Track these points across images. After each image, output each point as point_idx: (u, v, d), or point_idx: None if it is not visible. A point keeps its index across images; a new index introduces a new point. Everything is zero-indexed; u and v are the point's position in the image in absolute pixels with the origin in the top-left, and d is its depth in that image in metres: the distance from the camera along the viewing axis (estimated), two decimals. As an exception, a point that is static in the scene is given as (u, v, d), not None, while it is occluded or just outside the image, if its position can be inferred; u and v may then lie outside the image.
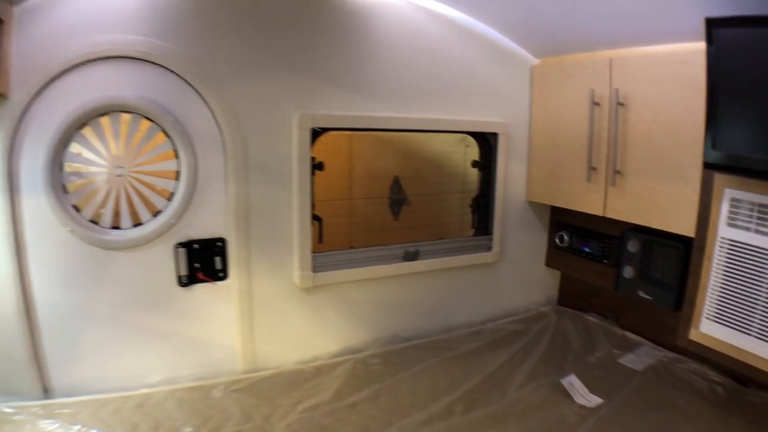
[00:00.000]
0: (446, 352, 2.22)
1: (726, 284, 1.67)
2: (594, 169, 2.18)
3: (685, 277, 2.03)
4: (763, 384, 1.92)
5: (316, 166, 2.06)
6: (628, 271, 2.24)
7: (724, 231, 1.67)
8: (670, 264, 2.08)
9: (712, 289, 1.71)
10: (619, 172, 2.08)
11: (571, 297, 2.78)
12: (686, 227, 1.86)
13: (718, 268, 1.69)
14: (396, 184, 2.56)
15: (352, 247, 2.21)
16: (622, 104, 2.04)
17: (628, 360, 2.18)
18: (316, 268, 2.08)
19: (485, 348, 2.28)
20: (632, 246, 2.21)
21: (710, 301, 1.71)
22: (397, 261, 2.26)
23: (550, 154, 2.42)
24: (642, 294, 2.19)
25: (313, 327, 2.16)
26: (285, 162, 1.98)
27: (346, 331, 2.23)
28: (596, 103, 2.14)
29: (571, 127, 2.29)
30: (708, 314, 1.72)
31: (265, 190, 1.97)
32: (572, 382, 1.98)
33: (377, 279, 2.24)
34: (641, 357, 2.20)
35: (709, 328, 1.72)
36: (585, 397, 1.90)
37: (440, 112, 2.25)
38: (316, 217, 2.10)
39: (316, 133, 2.02)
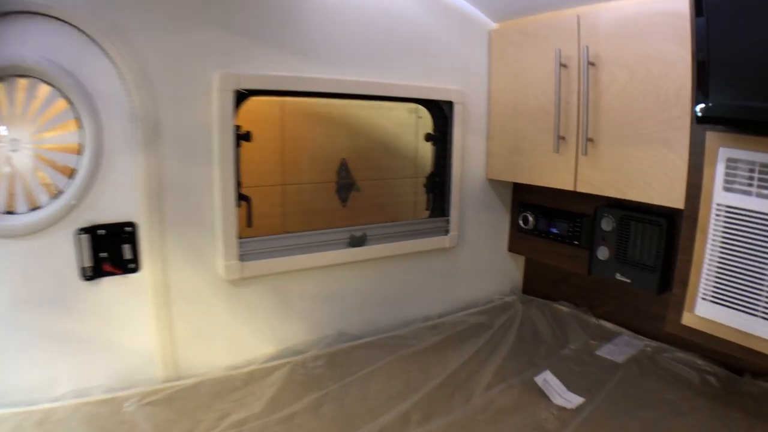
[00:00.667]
0: (401, 350, 1.94)
1: (725, 258, 1.43)
2: (562, 138, 1.94)
3: (669, 256, 1.83)
4: (760, 372, 1.71)
5: (242, 137, 1.73)
6: (602, 253, 2.01)
7: (720, 197, 1.43)
8: (651, 242, 1.86)
9: (709, 265, 1.47)
10: (591, 140, 1.85)
11: (537, 284, 2.54)
12: (673, 197, 1.63)
13: (714, 241, 1.45)
14: (343, 168, 2.26)
15: (288, 232, 1.89)
16: (592, 64, 1.81)
17: (607, 351, 1.95)
18: (244, 257, 1.76)
19: (445, 344, 2.00)
20: (607, 224, 1.98)
21: (707, 280, 1.48)
22: (342, 247, 1.97)
23: (511, 125, 2.17)
24: (620, 277, 1.95)
25: (245, 326, 1.84)
26: (205, 131, 1.66)
27: (283, 330, 1.92)
28: (563, 65, 1.89)
29: (535, 94, 2.04)
30: (704, 294, 1.49)
31: (182, 164, 1.64)
32: (548, 380, 1.73)
33: (319, 268, 1.94)
34: (621, 347, 1.97)
35: (706, 310, 1.49)
36: (563, 397, 1.65)
37: (390, 77, 1.96)
38: (243, 197, 1.78)
39: (242, 98, 1.70)
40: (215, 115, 1.64)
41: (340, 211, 2.23)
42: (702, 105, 1.36)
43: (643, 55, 1.67)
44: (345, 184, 2.27)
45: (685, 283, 1.56)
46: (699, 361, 1.83)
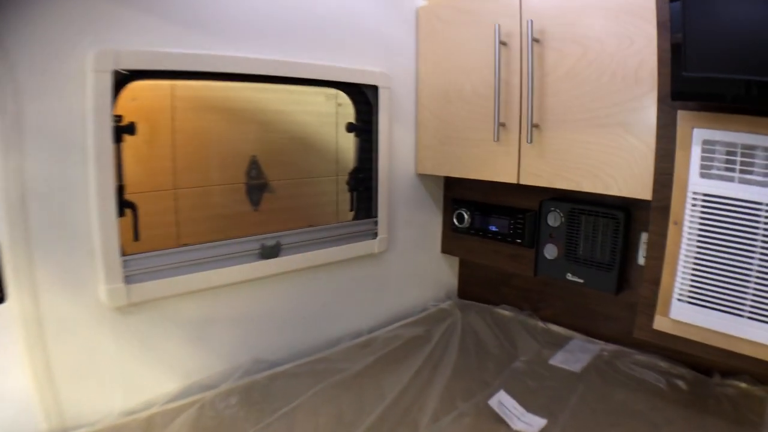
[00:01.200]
0: (328, 377, 1.64)
1: (703, 253, 1.25)
2: (503, 125, 1.72)
3: (626, 252, 1.66)
4: (729, 371, 1.58)
5: (124, 129, 1.37)
6: (550, 251, 1.81)
7: (696, 184, 1.25)
8: (605, 238, 1.68)
9: (685, 261, 1.29)
10: (536, 126, 1.64)
11: (474, 288, 2.33)
12: (635, 187, 1.45)
13: (690, 234, 1.27)
14: (254, 167, 1.92)
15: (185, 245, 1.54)
16: (537, 40, 1.60)
17: (562, 360, 1.75)
18: (130, 278, 1.40)
19: (380, 365, 1.73)
20: (554, 219, 1.79)
21: (682, 278, 1.29)
22: (252, 260, 1.64)
23: (443, 113, 1.92)
24: (572, 278, 1.77)
25: (140, 361, 1.48)
26: (78, 124, 1.29)
27: (187, 363, 1.57)
28: (503, 43, 1.67)
29: (469, 77, 1.81)
30: (680, 295, 1.31)
31: (51, 166, 1.27)
32: (503, 402, 1.50)
33: (226, 287, 1.60)
34: (576, 354, 1.79)
35: (683, 312, 1.30)
36: (523, 420, 1.43)
37: (304, 57, 1.65)
38: (127, 204, 1.41)
39: (124, 81, 1.34)
40: (89, 102, 1.28)
41: (251, 216, 1.90)
42: (679, 78, 1.17)
43: (597, 28, 1.47)
44: (256, 185, 1.93)
45: (656, 283, 1.37)
46: (662, 363, 1.68)
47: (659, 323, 1.37)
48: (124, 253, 1.38)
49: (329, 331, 1.90)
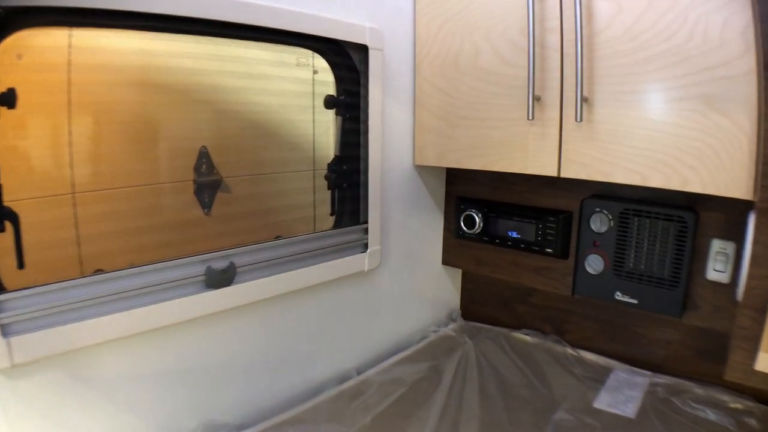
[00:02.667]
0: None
1: None
2: (538, 99, 1.29)
3: (692, 263, 1.29)
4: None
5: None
6: (594, 264, 1.40)
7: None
8: (665, 246, 1.29)
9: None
10: (586, 100, 1.22)
11: (481, 306, 1.90)
12: (727, 183, 1.08)
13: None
14: (204, 160, 1.41)
15: (99, 271, 1.04)
16: (588, -15, 1.18)
17: (608, 402, 1.36)
18: (10, 328, 0.91)
19: (380, 425, 1.28)
20: (600, 223, 1.38)
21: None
22: (197, 289, 1.16)
23: (450, 86, 1.48)
24: (622, 298, 1.37)
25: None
26: None
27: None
28: (537, -11, 1.25)
29: (489, 38, 1.38)
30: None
31: None
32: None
33: (160, 330, 1.11)
34: (622, 392, 1.40)
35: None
36: None
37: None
38: (5, 213, 0.92)
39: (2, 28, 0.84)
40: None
41: (199, 226, 1.39)
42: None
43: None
44: (206, 182, 1.43)
45: (761, 310, 0.99)
46: (724, 398, 1.36)
47: (765, 362, 0.99)
48: (2, 289, 0.89)
49: (306, 378, 1.43)
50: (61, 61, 1.10)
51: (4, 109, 0.90)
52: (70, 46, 1.10)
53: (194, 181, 1.36)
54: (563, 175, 1.29)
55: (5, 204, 0.92)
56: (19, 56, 0.98)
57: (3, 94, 0.90)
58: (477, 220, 1.63)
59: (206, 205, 1.38)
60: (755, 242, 1.01)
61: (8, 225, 0.96)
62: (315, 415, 1.29)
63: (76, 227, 1.11)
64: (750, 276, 1.02)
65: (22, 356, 0.91)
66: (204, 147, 1.39)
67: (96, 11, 0.92)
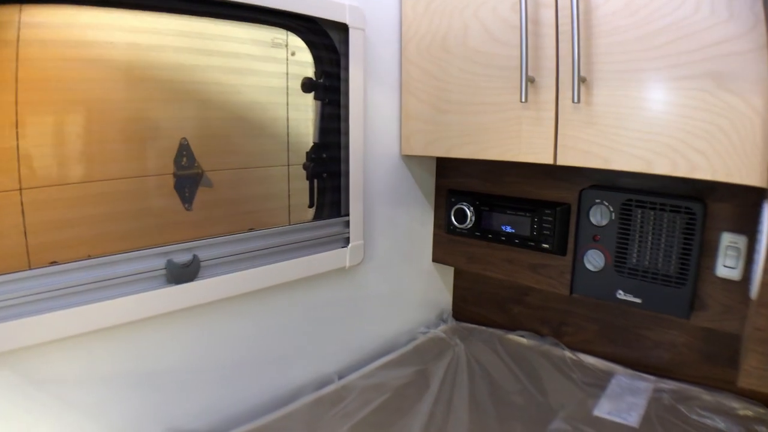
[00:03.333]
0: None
1: None
2: (532, 81, 1.19)
3: (700, 258, 1.19)
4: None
5: None
6: (594, 260, 1.30)
7: None
8: (671, 240, 1.19)
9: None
10: (584, 80, 1.12)
11: (474, 306, 1.80)
12: (739, 168, 0.98)
13: None
14: (185, 153, 1.30)
15: (53, 263, 0.94)
16: (583, -45, 1.08)
17: (609, 410, 1.26)
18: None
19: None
20: (600, 216, 1.28)
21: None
22: (158, 284, 1.07)
23: (439, 69, 1.38)
24: (625, 297, 1.27)
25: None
26: None
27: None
28: (530, -39, 1.15)
29: (478, 15, 1.28)
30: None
31: None
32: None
33: (119, 327, 1.02)
34: (624, 398, 1.30)
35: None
36: None
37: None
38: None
39: None
40: None
41: (182, 216, 1.28)
42: None
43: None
44: (187, 175, 1.32)
45: None
46: (735, 404, 1.26)
47: None
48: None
49: (281, 383, 1.33)
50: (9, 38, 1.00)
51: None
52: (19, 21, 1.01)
53: (174, 174, 1.26)
54: (560, 162, 1.19)
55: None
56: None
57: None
58: (468, 214, 1.52)
59: (187, 200, 1.27)
60: (769, 233, 0.92)
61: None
62: (290, 424, 1.19)
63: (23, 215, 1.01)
64: (766, 271, 0.92)
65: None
66: (185, 139, 1.28)
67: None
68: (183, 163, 1.23)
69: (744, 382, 0.98)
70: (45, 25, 1.03)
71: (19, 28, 1.01)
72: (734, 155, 0.98)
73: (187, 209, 1.23)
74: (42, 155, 1.02)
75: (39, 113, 1.02)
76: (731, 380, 1.02)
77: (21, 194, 0.96)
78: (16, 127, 0.96)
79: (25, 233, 0.96)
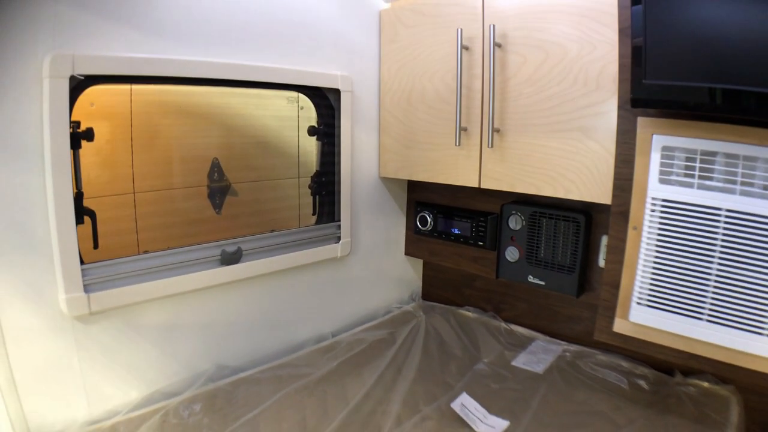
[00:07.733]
0: (292, 383, 1.62)
1: (662, 258, 1.28)
2: (464, 129, 1.73)
3: (587, 254, 1.69)
4: (691, 370, 1.62)
5: (81, 135, 1.34)
6: (512, 254, 1.83)
7: (655, 190, 1.27)
8: (566, 241, 1.70)
9: (644, 266, 1.32)
10: (497, 131, 1.65)
11: (438, 289, 2.34)
12: (595, 191, 1.48)
13: (650, 239, 1.30)
14: (216, 169, 1.86)
15: (146, 252, 1.51)
16: (499, 45, 1.60)
17: (524, 361, 1.78)
18: (90, 287, 1.37)
19: (343, 369, 1.72)
20: (515, 223, 1.81)
21: (642, 282, 1.32)
22: (213, 266, 1.63)
23: (405, 117, 1.92)
24: (533, 280, 1.79)
25: (102, 370, 1.44)
26: (35, 130, 1.24)
27: (150, 371, 1.54)
28: (465, 47, 1.68)
29: (432, 81, 1.82)
30: (640, 299, 1.34)
31: (7, 173, 1.23)
32: (466, 405, 1.51)
33: (187, 293, 1.58)
34: (538, 355, 1.81)
35: (642, 316, 1.33)
36: (486, 423, 1.44)
37: (264, 60, 1.63)
38: (86, 211, 1.39)
39: (82, 87, 1.31)
40: (46, 108, 1.23)
41: (213, 222, 1.84)
42: (639, 86, 1.19)
43: (559, 34, 1.48)
44: (218, 187, 1.88)
45: (616, 286, 1.40)
46: (624, 364, 1.72)
47: (619, 326, 1.40)
48: (83, 262, 1.34)
49: (292, 336, 1.89)
50: (120, 106, 1.57)
51: (85, 142, 1.35)
52: (131, 93, 1.58)
53: (208, 186, 1.82)
54: (483, 186, 1.72)
55: (85, 204, 1.37)
56: (92, 104, 1.43)
57: (84, 132, 1.35)
58: (429, 219, 2.07)
59: (217, 206, 1.83)
60: (610, 236, 1.42)
61: (87, 219, 1.40)
62: (297, 362, 1.75)
63: (134, 220, 1.59)
64: (608, 261, 1.43)
65: (96, 306, 1.36)
66: (216, 158, 1.85)
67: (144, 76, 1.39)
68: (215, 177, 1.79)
69: (598, 336, 1.47)
70: (145, 93, 1.60)
71: (131, 101, 1.57)
72: (593, 183, 1.48)
73: (217, 213, 1.80)
74: (142, 176, 1.60)
75: (142, 148, 1.59)
76: (623, 346, 1.44)
77: (134, 200, 1.54)
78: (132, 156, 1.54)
79: (137, 231, 1.53)
